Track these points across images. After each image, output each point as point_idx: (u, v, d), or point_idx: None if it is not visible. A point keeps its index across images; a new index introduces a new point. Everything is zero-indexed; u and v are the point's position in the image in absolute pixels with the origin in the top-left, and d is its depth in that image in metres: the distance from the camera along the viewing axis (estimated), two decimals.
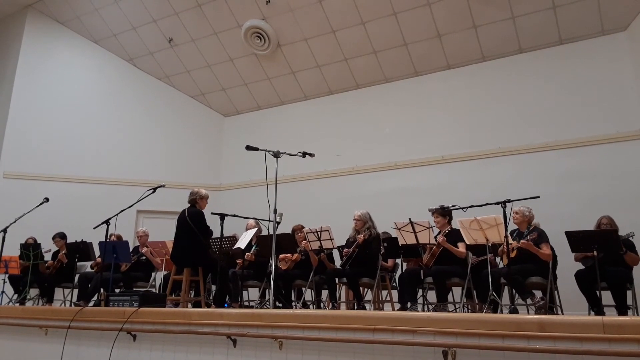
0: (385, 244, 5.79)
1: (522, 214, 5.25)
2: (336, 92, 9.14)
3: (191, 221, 5.53)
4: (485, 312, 4.62)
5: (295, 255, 6.17)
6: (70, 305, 6.43)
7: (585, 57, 7.16)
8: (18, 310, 5.92)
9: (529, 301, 4.74)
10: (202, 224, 5.59)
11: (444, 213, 5.46)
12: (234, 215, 5.84)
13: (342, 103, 9.05)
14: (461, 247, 5.23)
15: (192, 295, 6.28)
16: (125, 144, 9.71)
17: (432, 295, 5.34)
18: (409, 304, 5.09)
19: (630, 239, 4.94)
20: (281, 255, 6.21)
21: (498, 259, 5.59)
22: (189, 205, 5.76)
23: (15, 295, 7.03)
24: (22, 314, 5.71)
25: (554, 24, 7.18)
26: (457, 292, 5.71)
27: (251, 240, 5.89)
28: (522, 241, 4.93)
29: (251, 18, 8.56)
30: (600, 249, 4.62)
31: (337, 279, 5.90)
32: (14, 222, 6.58)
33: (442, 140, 7.91)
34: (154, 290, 6.86)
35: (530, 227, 5.17)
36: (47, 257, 7.17)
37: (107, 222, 5.64)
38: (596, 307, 4.76)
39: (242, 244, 5.49)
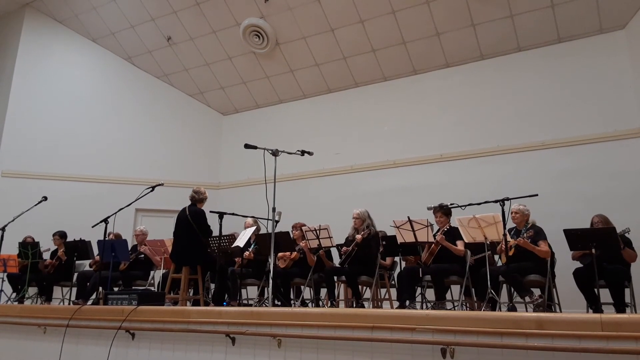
0: (384, 242, 5.80)
1: (522, 212, 5.26)
2: (335, 90, 9.13)
3: (192, 219, 5.54)
4: (483, 310, 4.63)
5: (294, 253, 6.17)
6: (69, 304, 6.42)
7: (584, 55, 7.16)
8: (16, 309, 5.91)
9: (527, 299, 4.74)
10: (203, 222, 5.61)
11: (447, 212, 5.47)
12: (233, 214, 5.84)
13: (340, 101, 9.04)
14: (460, 245, 5.24)
15: (190, 294, 6.28)
16: (124, 142, 9.69)
17: (430, 293, 5.35)
18: (407, 302, 5.10)
19: (626, 235, 4.96)
20: (280, 254, 6.21)
21: (497, 257, 5.60)
22: (190, 203, 5.76)
23: (14, 294, 7.02)
24: (20, 312, 5.70)
25: (553, 22, 7.18)
26: (455, 290, 5.72)
27: (250, 238, 5.89)
28: (518, 239, 4.93)
29: (250, 16, 8.54)
30: (599, 246, 4.62)
31: (335, 277, 5.91)
32: (12, 220, 6.61)
33: (441, 139, 7.91)
34: (152, 288, 6.86)
35: (528, 225, 5.18)
36: (46, 255, 7.17)
37: (105, 220, 5.62)
38: (594, 304, 4.77)
39: (240, 242, 5.49)
